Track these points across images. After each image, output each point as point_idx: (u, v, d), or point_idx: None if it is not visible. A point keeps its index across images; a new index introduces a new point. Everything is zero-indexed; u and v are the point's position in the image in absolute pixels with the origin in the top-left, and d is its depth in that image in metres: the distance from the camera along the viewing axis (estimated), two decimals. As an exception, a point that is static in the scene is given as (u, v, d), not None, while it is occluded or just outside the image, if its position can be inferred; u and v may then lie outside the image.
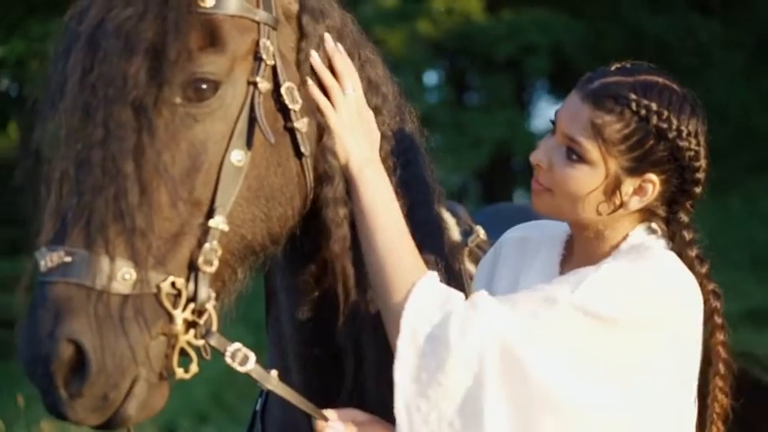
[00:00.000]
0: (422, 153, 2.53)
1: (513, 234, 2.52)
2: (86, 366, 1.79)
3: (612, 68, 2.18)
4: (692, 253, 2.20)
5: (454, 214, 2.94)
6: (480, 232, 3.01)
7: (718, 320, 2.23)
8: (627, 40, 14.78)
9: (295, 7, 2.22)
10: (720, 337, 2.24)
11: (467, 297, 2.52)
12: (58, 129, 1.93)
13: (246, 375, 2.04)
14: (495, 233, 3.10)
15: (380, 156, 2.32)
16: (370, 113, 2.29)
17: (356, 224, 2.20)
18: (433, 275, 2.12)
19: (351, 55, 2.30)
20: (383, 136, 2.35)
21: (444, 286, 2.11)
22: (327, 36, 2.22)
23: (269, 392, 2.79)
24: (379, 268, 2.13)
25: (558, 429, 2.00)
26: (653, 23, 14.65)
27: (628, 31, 14.69)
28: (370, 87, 2.35)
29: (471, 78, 15.26)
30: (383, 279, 2.12)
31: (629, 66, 2.19)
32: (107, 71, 1.90)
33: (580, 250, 2.30)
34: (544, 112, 18.19)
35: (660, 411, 2.08)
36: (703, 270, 2.21)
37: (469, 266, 2.86)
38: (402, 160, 2.41)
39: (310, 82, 2.18)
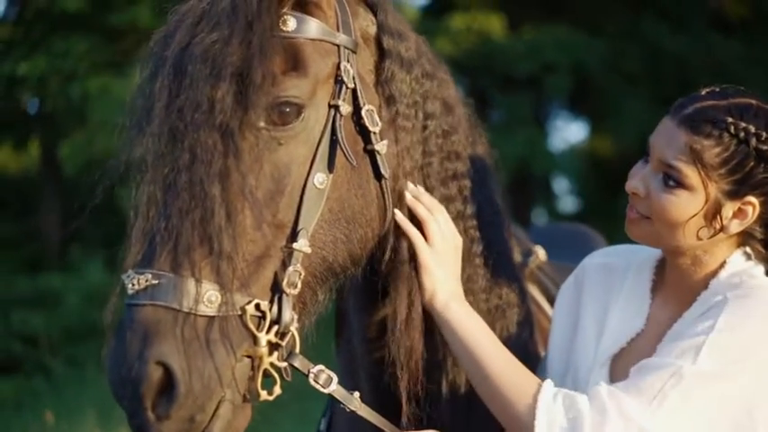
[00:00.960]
0: (492, 175, 2.56)
1: (595, 260, 2.50)
2: (175, 388, 1.80)
3: (703, 93, 2.17)
4: None
5: (513, 235, 2.95)
6: (540, 253, 3.03)
7: None
8: (646, 59, 14.80)
9: (373, 29, 2.24)
10: None
11: (533, 318, 2.53)
12: (146, 153, 1.94)
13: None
14: (550, 255, 3.10)
15: (455, 174, 2.36)
16: (459, 240, 2.29)
17: (454, 353, 2.23)
18: (548, 383, 2.11)
19: (430, 76, 2.33)
20: (458, 156, 2.38)
21: (564, 391, 2.10)
22: (410, 185, 2.25)
23: (333, 413, 2.81)
24: (494, 391, 2.13)
25: None
26: (672, 42, 14.65)
27: (647, 49, 14.69)
28: (445, 108, 2.37)
29: (491, 96, 15.27)
30: (501, 401, 2.12)
31: (718, 89, 2.18)
32: (194, 96, 1.91)
33: (675, 277, 2.28)
34: (562, 130, 18.18)
35: None
36: None
37: (530, 288, 2.87)
38: (475, 181, 2.43)
39: (400, 214, 2.22)
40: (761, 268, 2.21)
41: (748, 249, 2.22)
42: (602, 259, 2.49)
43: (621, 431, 1.98)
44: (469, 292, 2.35)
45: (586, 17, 15.07)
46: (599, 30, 14.79)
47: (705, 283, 2.21)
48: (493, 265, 2.46)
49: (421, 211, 2.23)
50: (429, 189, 2.29)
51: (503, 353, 2.17)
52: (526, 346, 2.56)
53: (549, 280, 2.94)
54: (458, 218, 2.35)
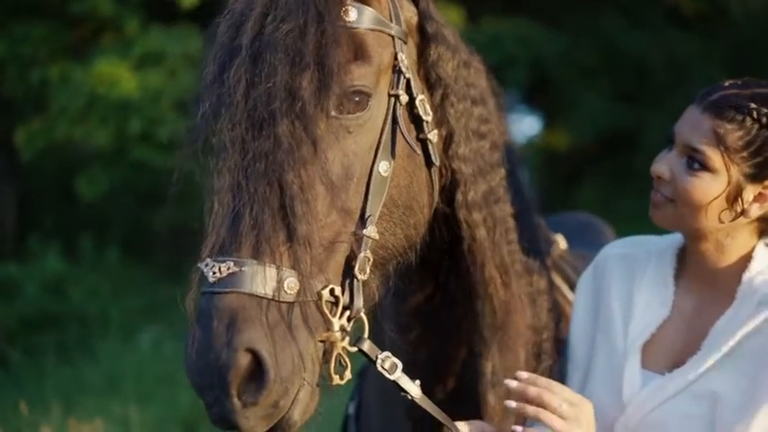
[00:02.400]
0: (521, 165, 2.62)
1: (614, 251, 2.56)
2: (264, 375, 1.81)
3: (726, 84, 2.27)
4: None
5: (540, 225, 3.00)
6: (561, 242, 3.07)
7: None
8: (604, 54, 14.97)
9: (415, 20, 2.28)
10: None
11: (560, 306, 2.57)
12: (224, 140, 1.95)
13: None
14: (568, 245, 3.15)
15: (495, 162, 2.40)
16: (588, 404, 2.18)
17: None
18: None
19: (467, 64, 2.38)
20: (494, 144, 2.43)
21: None
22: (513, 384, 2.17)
23: (361, 396, 2.85)
24: None
25: None
26: (630, 38, 14.83)
27: (605, 44, 14.85)
28: (481, 97, 2.42)
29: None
30: None
31: (740, 81, 2.27)
32: (274, 84, 1.93)
33: (697, 264, 2.34)
34: (517, 123, 18.31)
35: None
36: None
37: (553, 276, 2.90)
38: (508, 170, 2.49)
39: (512, 404, 2.13)
40: None
41: None
42: (622, 249, 2.55)
43: None
44: (513, 276, 2.42)
45: (545, 12, 15.18)
46: (558, 24, 14.92)
47: (734, 275, 2.28)
48: (525, 252, 2.52)
49: (534, 393, 2.10)
50: (479, 175, 2.34)
51: None
52: (557, 332, 2.61)
53: (570, 268, 3.00)
54: (498, 203, 2.41)
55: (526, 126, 18.47)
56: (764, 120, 2.18)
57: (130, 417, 7.20)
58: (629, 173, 13.64)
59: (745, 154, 2.18)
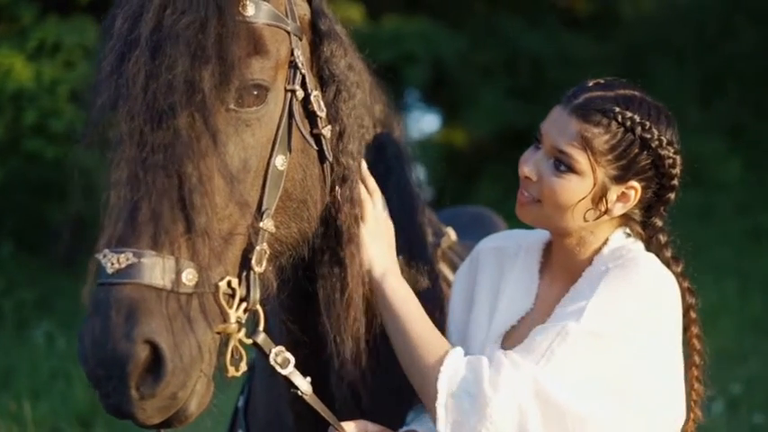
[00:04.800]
0: (407, 161, 2.65)
1: (488, 245, 2.62)
2: (163, 367, 1.81)
3: (591, 84, 2.33)
4: (668, 254, 2.37)
5: (428, 218, 3.03)
6: (451, 234, 3.13)
7: (693, 315, 2.39)
8: (502, 54, 15.20)
9: (308, 16, 2.31)
10: (695, 330, 2.40)
11: (443, 298, 2.65)
12: (122, 132, 1.95)
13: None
14: (459, 236, 3.23)
15: (368, 162, 2.44)
16: (390, 225, 2.41)
17: (384, 321, 2.34)
18: (458, 350, 2.23)
19: (353, 67, 2.39)
20: (367, 146, 2.46)
21: (471, 356, 2.22)
22: (364, 165, 2.35)
23: (250, 390, 2.86)
24: (412, 353, 2.25)
25: None
26: (527, 38, 15.09)
27: (504, 45, 15.08)
28: (365, 102, 2.44)
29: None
30: (416, 361, 2.24)
31: (604, 81, 2.34)
32: (173, 76, 1.93)
33: (561, 257, 2.42)
34: (417, 121, 18.42)
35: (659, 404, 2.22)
36: (678, 269, 2.37)
37: (442, 267, 2.97)
38: (388, 167, 2.54)
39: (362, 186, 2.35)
40: (640, 244, 2.37)
41: (628, 230, 2.38)
42: (495, 243, 2.61)
43: (515, 380, 2.10)
44: None
45: (444, 11, 15.33)
46: (458, 23, 15.08)
47: (589, 261, 2.35)
48: (405, 249, 2.55)
49: (362, 192, 2.35)
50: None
51: (425, 321, 2.30)
52: (437, 323, 2.64)
53: (459, 259, 3.05)
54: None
55: (426, 123, 18.55)
56: (629, 123, 2.24)
57: (24, 413, 7.06)
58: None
59: (610, 157, 2.25)
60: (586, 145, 2.24)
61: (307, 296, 2.42)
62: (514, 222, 2.63)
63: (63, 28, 10.91)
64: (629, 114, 2.25)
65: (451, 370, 2.17)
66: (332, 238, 2.34)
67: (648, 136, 2.26)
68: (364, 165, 2.39)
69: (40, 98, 10.54)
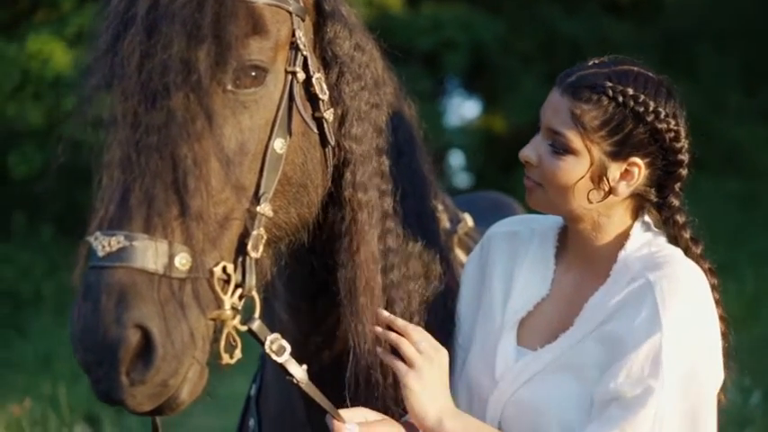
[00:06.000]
0: (418, 145, 2.58)
1: (501, 229, 2.56)
2: (153, 352, 1.78)
3: (589, 63, 2.26)
4: (687, 235, 2.29)
5: (441, 202, 2.96)
6: (468, 220, 3.08)
7: (716, 296, 2.29)
8: (542, 40, 15.10)
9: None
10: (718, 311, 2.28)
11: (458, 285, 2.60)
12: (115, 112, 1.92)
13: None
14: (477, 222, 3.20)
15: (378, 149, 2.37)
16: (443, 355, 2.25)
17: None
18: None
19: (362, 48, 2.35)
20: (380, 130, 2.39)
21: None
22: (384, 313, 2.25)
23: (263, 379, 2.84)
24: None
25: None
26: (567, 24, 14.97)
27: (543, 30, 14.97)
28: (374, 82, 2.38)
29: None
30: None
31: (606, 60, 2.27)
32: (169, 56, 1.90)
33: (576, 243, 2.36)
34: (457, 107, 18.37)
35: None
36: (698, 251, 2.30)
37: (459, 253, 2.92)
38: (400, 151, 2.46)
39: (381, 350, 2.23)
40: (662, 237, 2.30)
41: (647, 218, 2.31)
42: (508, 228, 2.54)
43: None
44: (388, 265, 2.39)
45: (484, -4, 15.28)
46: (497, 9, 15.00)
47: (610, 253, 2.28)
48: (415, 235, 2.48)
49: (393, 338, 2.22)
50: (367, 156, 2.32)
51: None
52: (449, 312, 2.58)
53: (475, 244, 3.01)
54: (381, 194, 2.37)
55: (466, 110, 18.46)
56: (620, 98, 2.16)
57: (60, 396, 7.15)
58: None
59: (603, 133, 2.18)
60: (577, 122, 2.18)
61: (322, 285, 2.38)
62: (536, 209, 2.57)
63: (101, 14, 10.96)
64: (620, 88, 2.17)
65: None
66: (340, 224, 2.30)
67: (642, 109, 2.18)
68: (383, 313, 2.28)
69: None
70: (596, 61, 2.26)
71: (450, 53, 14.54)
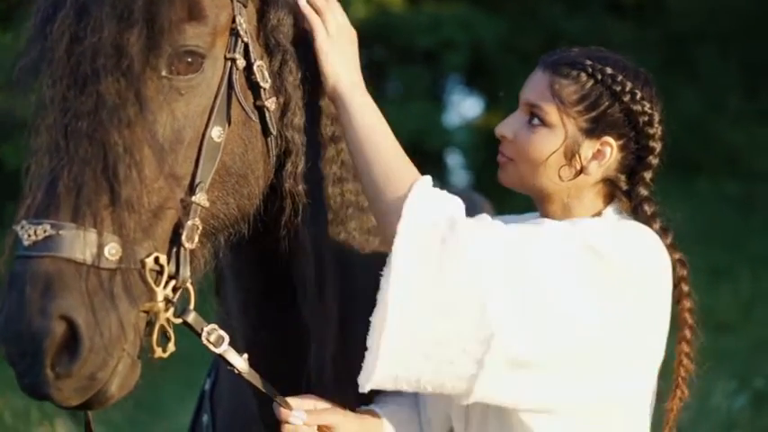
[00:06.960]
0: None
1: None
2: (78, 344, 1.73)
3: (573, 49, 2.32)
4: (656, 225, 2.27)
5: None
6: None
7: (685, 288, 2.29)
8: (543, 39, 15.04)
9: None
10: (687, 304, 2.30)
11: None
12: (44, 97, 1.86)
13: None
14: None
15: (332, 136, 2.32)
16: (353, 34, 2.27)
17: (349, 144, 2.18)
18: (428, 178, 2.11)
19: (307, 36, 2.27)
20: (333, 119, 2.32)
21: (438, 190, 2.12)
22: None
23: (217, 374, 2.80)
24: (377, 176, 2.11)
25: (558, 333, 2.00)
26: (569, 23, 14.93)
27: (544, 29, 14.93)
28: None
29: (388, 69, 15.31)
30: (385, 184, 2.10)
31: (586, 48, 2.33)
32: (99, 40, 1.85)
33: None
34: (457, 105, 18.36)
35: (635, 352, 2.12)
36: (668, 241, 2.27)
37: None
38: None
39: (303, 2, 2.20)
40: (632, 221, 2.27)
41: (618, 206, 2.30)
42: None
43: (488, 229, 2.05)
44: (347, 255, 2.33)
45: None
46: (498, 8, 14.97)
47: None
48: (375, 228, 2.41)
49: (318, 3, 2.23)
50: (310, 147, 2.27)
51: (394, 145, 2.17)
52: None
53: None
54: (336, 181, 2.33)
55: (467, 108, 18.46)
56: (599, 75, 2.22)
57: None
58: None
59: (580, 108, 2.22)
60: (554, 95, 2.23)
61: (270, 278, 2.34)
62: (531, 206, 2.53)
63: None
64: (599, 66, 2.23)
65: (418, 200, 2.04)
66: (273, 216, 2.24)
67: (619, 88, 2.23)
68: None
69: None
70: (579, 49, 2.32)
71: (451, 52, 14.54)
